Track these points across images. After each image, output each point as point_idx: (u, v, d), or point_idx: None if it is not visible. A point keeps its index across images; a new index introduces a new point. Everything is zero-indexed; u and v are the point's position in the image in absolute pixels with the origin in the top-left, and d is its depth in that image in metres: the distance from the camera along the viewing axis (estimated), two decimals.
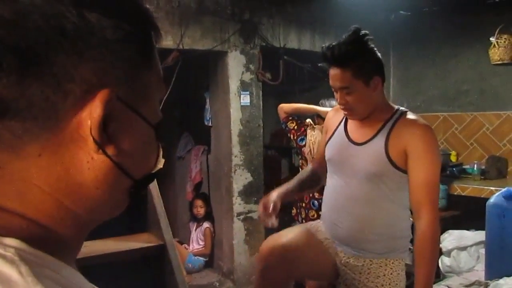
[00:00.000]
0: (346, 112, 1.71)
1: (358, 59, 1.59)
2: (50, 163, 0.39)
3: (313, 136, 2.94)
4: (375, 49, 1.65)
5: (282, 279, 1.74)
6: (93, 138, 0.39)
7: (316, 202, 2.96)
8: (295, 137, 3.05)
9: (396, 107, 1.74)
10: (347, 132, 1.76)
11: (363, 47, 1.61)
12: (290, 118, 3.06)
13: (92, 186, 0.41)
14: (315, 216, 2.92)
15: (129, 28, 0.41)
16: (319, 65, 1.82)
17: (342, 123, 1.81)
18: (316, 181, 2.00)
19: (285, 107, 3.07)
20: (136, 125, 0.43)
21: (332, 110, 1.98)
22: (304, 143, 3.00)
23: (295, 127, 3.05)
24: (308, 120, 3.08)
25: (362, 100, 1.64)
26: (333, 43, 1.62)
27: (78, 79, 0.38)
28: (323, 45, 1.66)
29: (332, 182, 1.82)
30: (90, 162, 0.40)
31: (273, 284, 1.70)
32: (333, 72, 1.63)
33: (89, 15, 0.38)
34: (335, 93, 1.69)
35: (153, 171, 0.48)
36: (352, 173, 1.71)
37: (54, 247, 0.40)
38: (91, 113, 0.38)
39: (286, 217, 3.26)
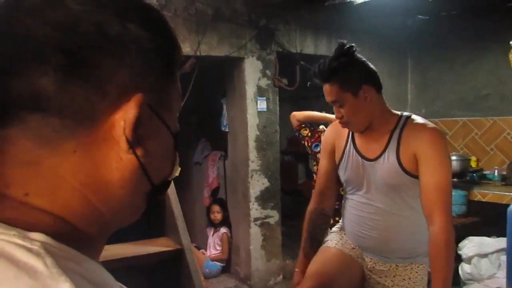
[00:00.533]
0: (343, 126, 1.73)
1: (342, 72, 1.62)
2: (83, 160, 0.41)
3: None
4: (363, 59, 1.67)
5: None
6: (126, 138, 0.41)
7: None
8: (310, 144, 3.05)
9: (398, 113, 1.73)
10: (357, 149, 1.76)
11: (348, 59, 1.64)
12: (303, 125, 3.06)
13: (118, 186, 0.43)
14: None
15: (161, 41, 0.45)
16: (308, 84, 1.84)
17: (350, 140, 1.80)
18: (326, 220, 1.99)
19: (297, 115, 3.06)
20: (160, 131, 0.46)
21: (331, 127, 1.95)
22: (318, 149, 2.99)
23: (309, 134, 3.04)
24: (322, 127, 3.07)
25: (355, 111, 1.64)
26: (321, 60, 1.67)
27: (116, 82, 0.41)
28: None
29: (352, 198, 1.84)
30: (118, 162, 0.43)
31: None
32: (324, 88, 1.68)
33: (129, 25, 0.42)
34: None
35: (170, 178, 0.50)
36: (371, 189, 1.73)
37: (79, 243, 0.41)
38: (126, 115, 0.41)
39: (301, 224, 3.24)
